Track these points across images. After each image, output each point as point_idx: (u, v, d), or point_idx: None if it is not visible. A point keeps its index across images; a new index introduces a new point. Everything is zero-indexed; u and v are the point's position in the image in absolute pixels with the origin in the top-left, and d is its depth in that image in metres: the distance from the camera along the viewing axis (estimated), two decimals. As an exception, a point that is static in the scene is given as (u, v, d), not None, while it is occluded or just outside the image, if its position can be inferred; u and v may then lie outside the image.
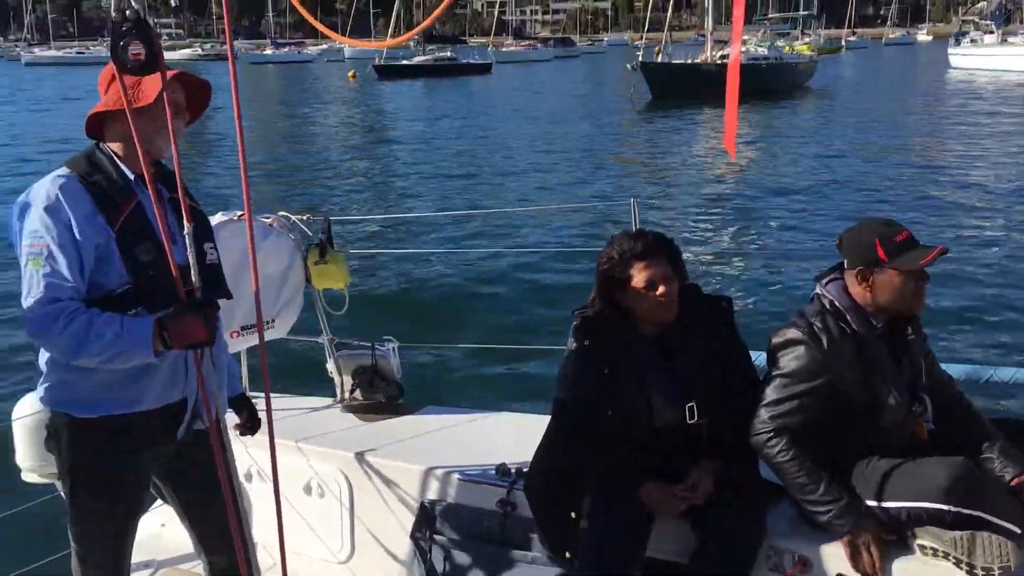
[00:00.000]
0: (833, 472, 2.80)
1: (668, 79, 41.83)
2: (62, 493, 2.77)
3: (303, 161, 22.88)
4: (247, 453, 3.71)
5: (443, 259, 11.45)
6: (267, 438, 2.62)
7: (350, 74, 64.34)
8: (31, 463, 3.49)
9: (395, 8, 79.02)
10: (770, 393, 2.88)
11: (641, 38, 51.56)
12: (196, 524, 2.90)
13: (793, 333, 2.88)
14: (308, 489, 3.78)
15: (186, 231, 2.38)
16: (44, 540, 3.67)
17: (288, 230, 4.03)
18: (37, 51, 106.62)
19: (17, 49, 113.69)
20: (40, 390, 2.65)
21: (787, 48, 54.24)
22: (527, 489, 3.16)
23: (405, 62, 65.56)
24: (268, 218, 3.99)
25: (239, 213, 3.66)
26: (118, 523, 2.76)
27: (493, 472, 3.45)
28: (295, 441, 3.82)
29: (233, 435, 2.99)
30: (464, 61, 71.51)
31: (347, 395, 4.28)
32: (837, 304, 2.88)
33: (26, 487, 3.60)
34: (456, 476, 3.52)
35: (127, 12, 2.20)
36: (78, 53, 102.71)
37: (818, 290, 2.97)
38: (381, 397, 4.21)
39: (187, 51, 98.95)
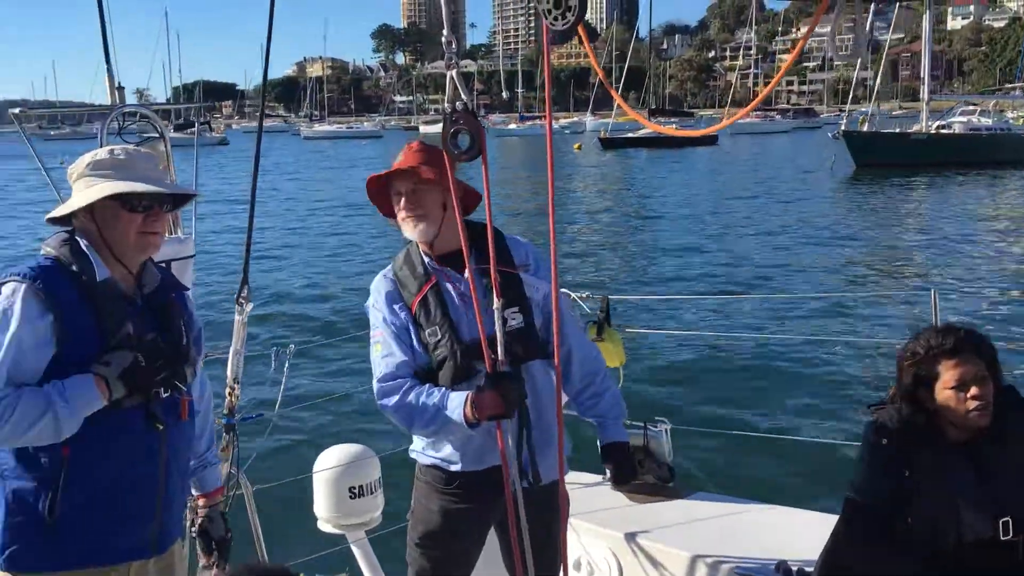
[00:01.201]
0: None
1: (872, 148, 40.22)
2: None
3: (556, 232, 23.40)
4: None
5: (719, 342, 11.12)
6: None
7: (576, 146, 66.59)
8: (327, 513, 3.76)
9: (645, 83, 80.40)
10: None
11: (898, 107, 49.48)
12: None
13: None
14: (578, 565, 3.79)
15: (495, 306, 2.54)
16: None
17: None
18: (316, 126, 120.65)
19: (300, 125, 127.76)
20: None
21: (1019, 120, 50.81)
22: (816, 592, 3.00)
23: (630, 135, 66.15)
24: None
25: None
26: (444, 570, 2.93)
27: (772, 568, 3.30)
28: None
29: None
30: None
31: (617, 474, 4.28)
32: None
33: (321, 536, 3.87)
34: (729, 567, 3.40)
35: (456, 104, 2.42)
36: (348, 128, 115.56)
37: None
38: (651, 478, 4.16)
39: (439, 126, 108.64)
